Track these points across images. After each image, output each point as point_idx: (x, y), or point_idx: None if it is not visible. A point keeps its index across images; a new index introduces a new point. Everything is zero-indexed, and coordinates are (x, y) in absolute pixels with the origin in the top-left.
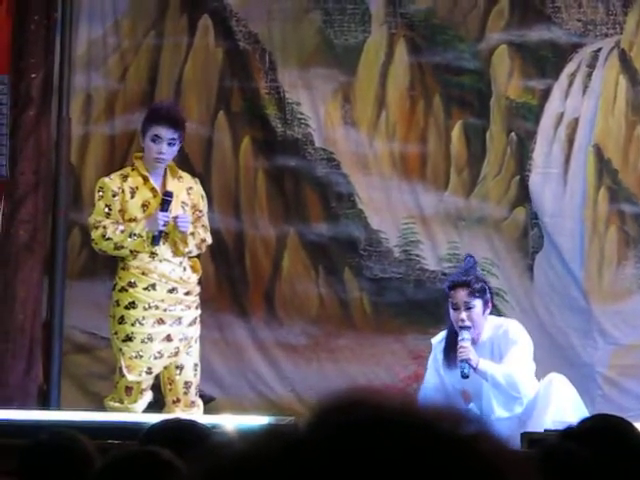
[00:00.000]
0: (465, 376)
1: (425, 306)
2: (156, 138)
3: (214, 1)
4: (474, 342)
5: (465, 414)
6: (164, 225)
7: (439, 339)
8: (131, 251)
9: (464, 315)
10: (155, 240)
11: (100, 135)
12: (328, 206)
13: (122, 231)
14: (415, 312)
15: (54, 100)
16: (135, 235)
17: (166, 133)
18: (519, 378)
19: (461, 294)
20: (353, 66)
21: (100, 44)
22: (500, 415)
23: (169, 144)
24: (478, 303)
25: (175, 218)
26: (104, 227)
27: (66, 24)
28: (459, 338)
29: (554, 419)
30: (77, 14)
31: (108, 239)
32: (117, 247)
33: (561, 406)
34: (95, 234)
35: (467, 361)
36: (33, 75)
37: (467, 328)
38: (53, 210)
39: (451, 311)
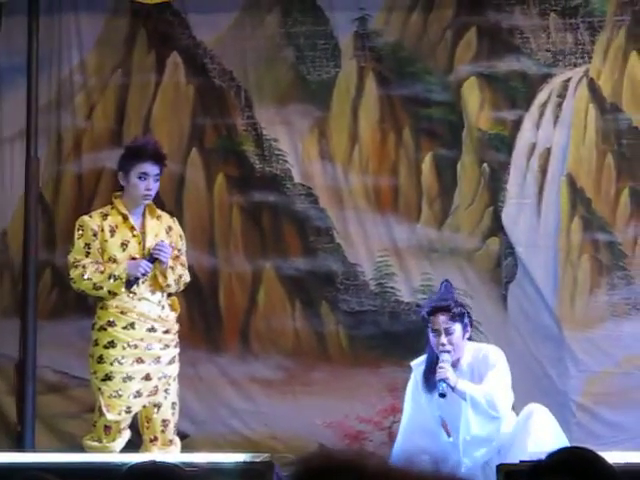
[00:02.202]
0: (442, 394)
1: (400, 338)
2: (143, 175)
3: (185, 39)
4: (454, 366)
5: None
6: (143, 275)
7: (418, 362)
8: (109, 292)
9: (444, 340)
10: (129, 284)
11: (70, 174)
12: (306, 240)
13: (102, 272)
14: (391, 344)
15: (22, 141)
16: (115, 277)
17: (152, 169)
18: (497, 397)
19: (441, 319)
20: (327, 101)
21: (67, 83)
22: (477, 434)
23: (155, 180)
24: (458, 327)
25: (156, 247)
26: (83, 267)
27: (32, 65)
28: (440, 359)
29: (534, 450)
30: (44, 54)
31: (88, 279)
32: (96, 287)
33: (541, 437)
34: (74, 273)
35: (445, 380)
36: None
37: (447, 351)
38: (24, 250)
39: (431, 336)
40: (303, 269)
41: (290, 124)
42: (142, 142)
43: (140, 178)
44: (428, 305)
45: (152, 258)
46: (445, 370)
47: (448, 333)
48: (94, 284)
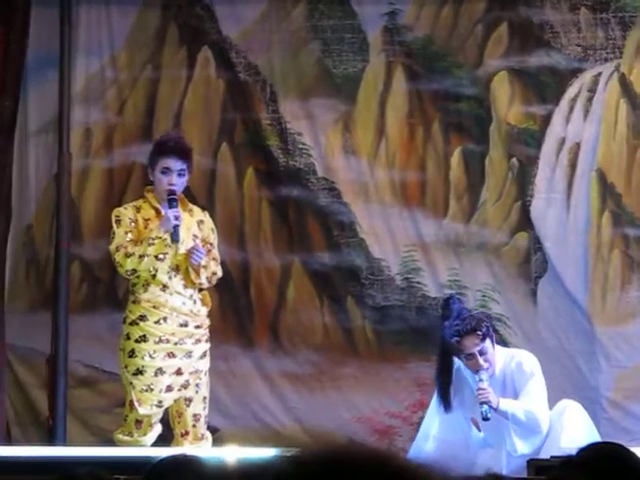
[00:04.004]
0: (486, 419)
1: (427, 333)
2: (166, 170)
3: (213, 33)
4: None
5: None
6: (176, 219)
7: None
8: (157, 257)
9: (482, 361)
10: (174, 236)
11: (99, 169)
12: (330, 235)
13: (140, 242)
14: (418, 339)
15: (54, 135)
16: (153, 239)
17: (175, 164)
18: (539, 414)
19: (472, 342)
20: (353, 95)
21: (98, 78)
22: (523, 452)
23: (179, 175)
24: (488, 343)
25: (190, 250)
26: (124, 247)
27: (64, 59)
28: (477, 379)
29: (567, 446)
30: (75, 48)
31: (131, 254)
32: (141, 257)
33: (574, 433)
34: (118, 256)
35: (487, 403)
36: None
37: (485, 369)
38: (55, 243)
39: (464, 361)
40: (329, 264)
41: (314, 118)
42: (165, 137)
43: (163, 173)
44: (454, 330)
45: (172, 204)
46: (486, 392)
47: (482, 353)
48: (139, 256)
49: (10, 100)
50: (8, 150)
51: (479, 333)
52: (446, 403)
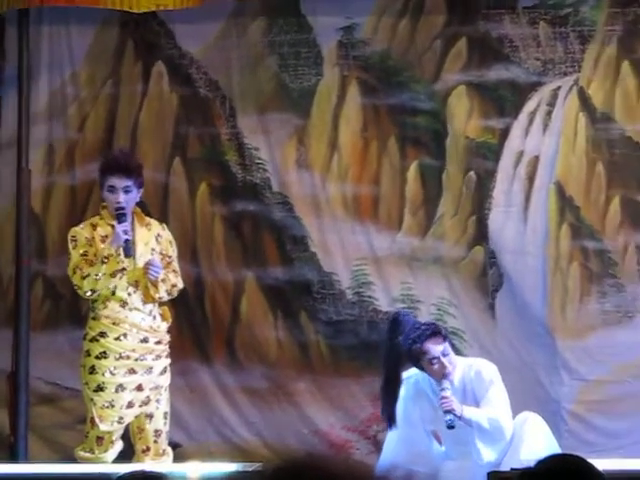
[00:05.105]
0: (451, 427)
1: (380, 347)
2: (112, 188)
3: (169, 48)
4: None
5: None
6: (125, 233)
7: (409, 374)
8: (113, 275)
9: (446, 362)
10: (127, 250)
11: (62, 185)
12: (284, 250)
13: (94, 263)
14: (370, 354)
15: (13, 152)
16: (105, 257)
17: (120, 182)
18: (503, 422)
19: (435, 345)
20: (307, 109)
21: (59, 95)
22: (490, 459)
23: (125, 192)
24: (448, 346)
25: (146, 265)
26: (80, 269)
27: (23, 76)
28: (440, 388)
29: (527, 458)
30: (37, 66)
31: (87, 276)
32: (97, 277)
33: (534, 445)
34: (75, 278)
35: (452, 412)
36: None
37: (447, 377)
38: (16, 261)
39: (428, 367)
40: (282, 279)
41: (270, 133)
42: (109, 156)
43: (110, 191)
44: (413, 338)
45: (120, 219)
46: (450, 401)
47: (445, 355)
48: (94, 276)
49: None
50: None
51: (440, 335)
52: (391, 420)
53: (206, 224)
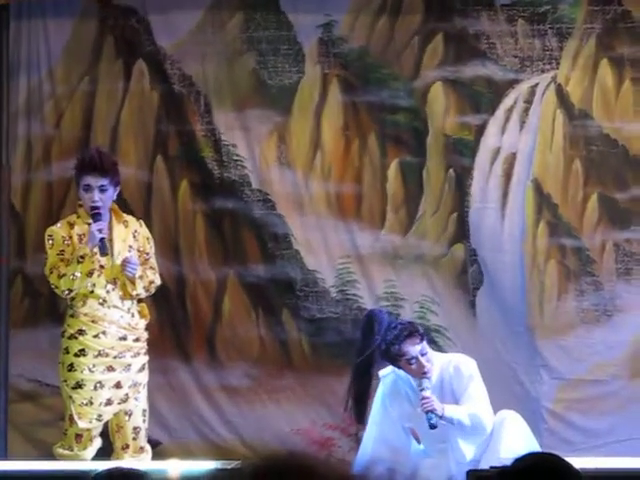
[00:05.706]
0: (434, 427)
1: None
2: (87, 187)
3: (148, 45)
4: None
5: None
6: (100, 232)
7: (386, 372)
8: (89, 274)
9: (424, 361)
10: (102, 249)
11: (40, 182)
12: (265, 247)
13: (71, 262)
14: (353, 352)
15: None
16: (81, 257)
17: (95, 181)
18: (484, 417)
19: (413, 345)
20: (288, 106)
21: (37, 91)
22: (471, 458)
23: (100, 191)
24: (425, 345)
25: (122, 263)
26: (57, 268)
27: (2, 73)
28: (419, 388)
29: (506, 456)
30: (16, 62)
31: (63, 275)
32: (73, 276)
33: (513, 443)
34: (52, 278)
35: (433, 411)
36: None
37: (426, 376)
38: None
39: (407, 367)
40: (264, 276)
41: (248, 129)
42: (83, 155)
43: (85, 190)
44: (391, 338)
45: (96, 218)
46: (431, 401)
47: (423, 354)
48: (71, 275)
49: None
50: None
51: (418, 334)
52: (361, 416)
53: (188, 222)
